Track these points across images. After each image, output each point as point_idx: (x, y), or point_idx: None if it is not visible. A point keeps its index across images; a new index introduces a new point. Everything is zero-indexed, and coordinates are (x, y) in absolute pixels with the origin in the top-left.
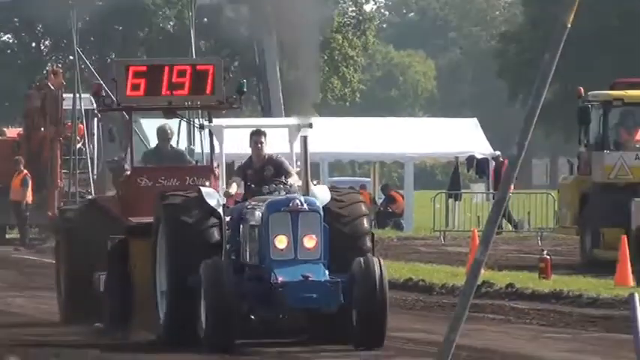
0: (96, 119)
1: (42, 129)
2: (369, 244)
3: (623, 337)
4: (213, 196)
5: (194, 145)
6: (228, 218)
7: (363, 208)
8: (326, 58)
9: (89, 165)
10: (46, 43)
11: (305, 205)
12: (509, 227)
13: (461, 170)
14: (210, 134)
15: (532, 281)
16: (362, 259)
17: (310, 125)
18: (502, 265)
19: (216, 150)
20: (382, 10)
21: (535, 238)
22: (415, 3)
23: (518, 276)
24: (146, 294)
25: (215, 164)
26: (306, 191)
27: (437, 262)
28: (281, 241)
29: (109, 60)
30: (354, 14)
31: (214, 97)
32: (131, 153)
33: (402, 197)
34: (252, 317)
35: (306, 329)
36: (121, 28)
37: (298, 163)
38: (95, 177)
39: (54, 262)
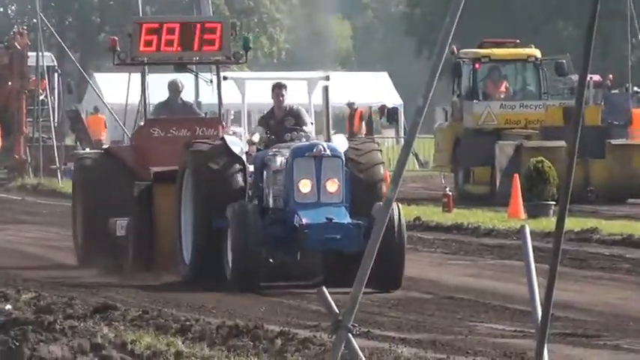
0: (56, 74)
1: (9, 83)
2: (384, 189)
3: (515, 263)
4: (237, 144)
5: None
6: (251, 167)
7: (379, 155)
8: (256, 20)
9: (50, 114)
10: (12, 8)
11: (328, 151)
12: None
13: (374, 118)
14: (219, 87)
15: (436, 215)
16: (382, 204)
17: (327, 78)
18: (410, 200)
19: (238, 101)
20: None
21: (439, 176)
22: None
23: (424, 210)
24: (169, 238)
25: (225, 115)
26: (327, 138)
27: None
28: (305, 185)
29: (67, 22)
30: None
31: (222, 53)
32: (145, 105)
33: None
34: (271, 260)
35: (322, 272)
36: None
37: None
38: (56, 124)
39: (70, 205)
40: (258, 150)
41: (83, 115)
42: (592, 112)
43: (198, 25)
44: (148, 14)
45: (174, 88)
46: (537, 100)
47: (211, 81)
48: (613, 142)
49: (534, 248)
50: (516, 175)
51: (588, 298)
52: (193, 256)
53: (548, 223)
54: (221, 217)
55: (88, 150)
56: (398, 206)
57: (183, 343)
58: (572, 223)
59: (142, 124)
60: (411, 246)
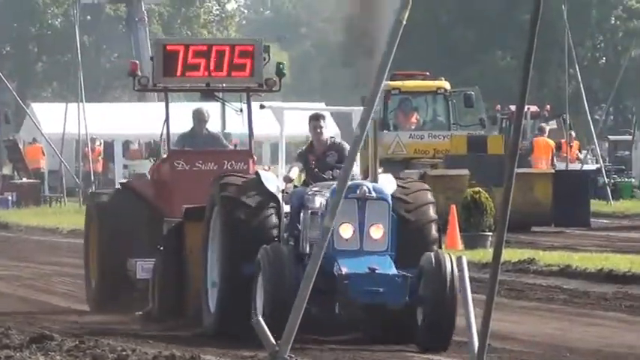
0: None
1: None
2: (435, 232)
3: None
4: (272, 181)
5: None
6: (287, 207)
7: (429, 195)
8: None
9: None
10: None
11: (373, 193)
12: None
13: None
14: (249, 117)
15: None
16: (432, 255)
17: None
18: None
19: (273, 132)
20: (242, 9)
21: None
22: (270, 2)
23: None
24: (199, 283)
25: (253, 148)
26: (373, 178)
27: None
28: (346, 230)
29: (4, 51)
30: (217, 12)
31: (254, 79)
32: (167, 136)
33: None
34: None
35: (361, 327)
36: (15, 24)
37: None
38: None
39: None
40: (295, 187)
41: (21, 145)
42: (495, 140)
43: (228, 48)
44: (86, 44)
45: (199, 117)
46: (446, 130)
47: (241, 110)
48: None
49: (472, 279)
50: (453, 206)
51: (526, 328)
52: (219, 305)
53: (486, 254)
54: (252, 262)
55: (25, 180)
56: (451, 258)
57: None
58: (509, 254)
59: (165, 156)
60: None
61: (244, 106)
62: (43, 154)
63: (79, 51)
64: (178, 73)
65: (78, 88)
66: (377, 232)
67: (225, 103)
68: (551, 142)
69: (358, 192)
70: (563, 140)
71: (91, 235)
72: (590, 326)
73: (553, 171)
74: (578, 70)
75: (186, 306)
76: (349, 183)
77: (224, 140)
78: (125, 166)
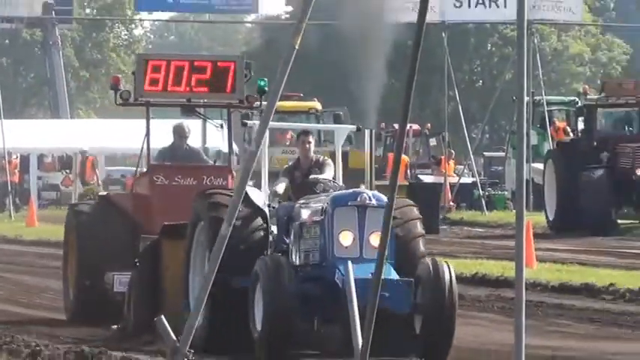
0: None
1: None
2: (422, 247)
3: None
4: (258, 196)
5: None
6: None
7: (415, 211)
8: (103, 72)
9: None
10: None
11: (373, 200)
12: None
13: None
14: (229, 133)
15: None
16: (429, 263)
17: (359, 129)
18: None
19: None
20: (148, 34)
21: None
22: (175, 28)
23: None
24: (178, 300)
25: (234, 165)
26: (370, 187)
27: None
28: (346, 238)
29: None
30: (126, 37)
31: (235, 96)
32: (147, 150)
33: None
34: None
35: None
36: None
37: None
38: None
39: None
40: (279, 203)
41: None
42: (356, 155)
43: (210, 64)
44: (4, 65)
45: (180, 132)
46: (316, 146)
47: (222, 126)
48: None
49: None
50: None
51: None
52: (207, 320)
53: None
54: (242, 276)
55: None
56: (449, 266)
57: None
58: None
59: (144, 170)
60: None
61: (225, 122)
62: None
63: None
64: (160, 88)
65: None
66: (377, 239)
67: (206, 119)
68: (406, 158)
69: (359, 200)
70: (442, 156)
71: (70, 246)
72: (465, 326)
73: (407, 183)
74: (457, 92)
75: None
76: (349, 191)
77: (204, 155)
78: (39, 178)
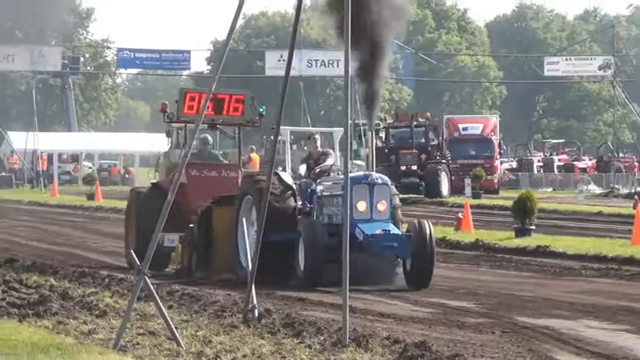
0: None
1: None
2: (400, 214)
3: None
4: (288, 176)
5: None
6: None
7: (393, 189)
8: (97, 104)
9: None
10: None
11: (379, 180)
12: None
13: None
14: (239, 142)
15: None
16: (416, 221)
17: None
18: None
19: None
20: (125, 82)
21: None
22: (141, 78)
23: None
24: (223, 249)
25: (242, 162)
26: (373, 168)
27: None
28: (361, 205)
29: None
30: (111, 83)
31: (244, 118)
32: (187, 154)
33: None
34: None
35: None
36: None
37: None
38: None
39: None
40: (302, 181)
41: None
42: (254, 157)
43: (227, 97)
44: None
45: (204, 141)
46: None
47: (234, 137)
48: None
49: None
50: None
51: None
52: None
53: None
54: (280, 232)
55: None
56: (429, 224)
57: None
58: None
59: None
60: None
61: (236, 135)
62: None
63: None
64: (194, 111)
65: None
66: (382, 206)
67: (222, 131)
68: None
69: (369, 179)
70: None
71: (131, 217)
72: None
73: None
74: (309, 119)
75: (212, 266)
76: (362, 173)
77: (220, 157)
78: (59, 167)
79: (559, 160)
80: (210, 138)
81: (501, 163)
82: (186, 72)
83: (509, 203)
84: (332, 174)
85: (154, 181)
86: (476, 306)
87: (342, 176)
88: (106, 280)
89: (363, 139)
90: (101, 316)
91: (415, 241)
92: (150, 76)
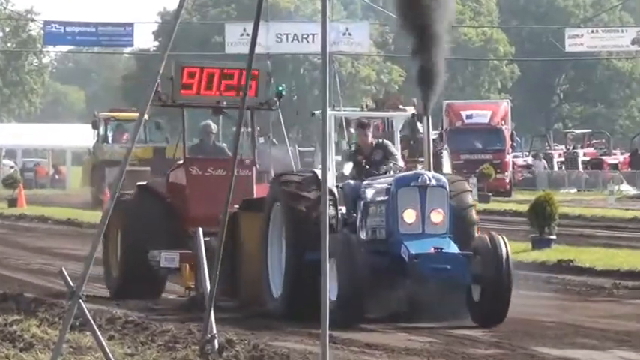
0: None
1: None
2: (474, 216)
3: None
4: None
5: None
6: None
7: (466, 185)
8: (20, 90)
9: None
10: None
11: (433, 181)
12: None
13: None
14: (252, 131)
15: None
16: (487, 236)
17: (413, 115)
18: None
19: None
20: (53, 62)
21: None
22: (72, 57)
23: None
24: (253, 267)
25: (257, 158)
26: (429, 168)
27: None
28: (409, 216)
29: None
30: (37, 63)
31: (258, 99)
32: (183, 145)
33: None
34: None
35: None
36: None
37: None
38: None
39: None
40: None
41: None
42: (170, 149)
43: (237, 72)
44: None
45: (207, 130)
46: (144, 143)
47: (246, 124)
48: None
49: None
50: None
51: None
52: (285, 290)
53: None
54: (315, 250)
55: None
56: (504, 239)
57: None
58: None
59: (181, 162)
60: None
61: (248, 122)
62: None
63: None
64: (194, 92)
65: None
66: (437, 216)
67: (229, 117)
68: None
69: (420, 180)
70: None
71: (112, 231)
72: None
73: None
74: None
75: (239, 291)
76: (411, 172)
77: (228, 151)
78: None
79: (584, 154)
80: (213, 126)
81: (514, 158)
82: (128, 49)
83: (524, 208)
84: (385, 173)
85: (141, 183)
86: (485, 334)
87: (392, 177)
88: (33, 305)
89: (346, 131)
90: (26, 349)
91: (485, 262)
92: (84, 55)
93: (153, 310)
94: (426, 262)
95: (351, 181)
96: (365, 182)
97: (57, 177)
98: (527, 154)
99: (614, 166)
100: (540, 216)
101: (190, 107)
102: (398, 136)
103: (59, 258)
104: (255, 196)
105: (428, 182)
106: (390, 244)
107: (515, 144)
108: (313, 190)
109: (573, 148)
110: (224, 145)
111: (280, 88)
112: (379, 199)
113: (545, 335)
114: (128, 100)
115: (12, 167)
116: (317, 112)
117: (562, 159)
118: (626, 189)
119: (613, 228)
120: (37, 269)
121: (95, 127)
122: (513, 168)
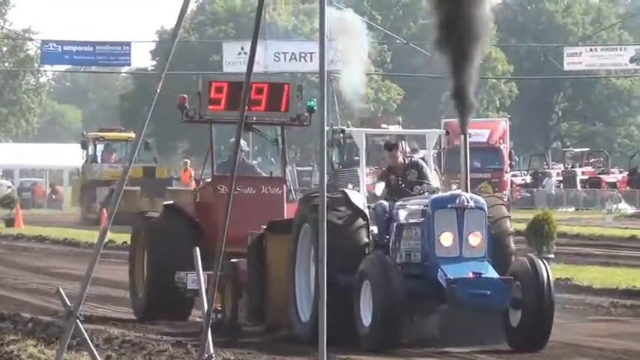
0: None
1: None
2: (512, 244)
3: None
4: (358, 198)
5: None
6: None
7: (504, 209)
8: (17, 109)
9: None
10: None
11: (471, 202)
12: None
13: None
14: (283, 148)
15: None
16: (527, 260)
17: (447, 133)
18: None
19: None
20: (50, 81)
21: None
22: (70, 77)
23: None
24: (281, 291)
25: (287, 175)
26: (466, 189)
27: None
28: (446, 239)
29: None
30: (34, 83)
31: (288, 114)
32: (212, 162)
33: None
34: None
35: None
36: None
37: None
38: None
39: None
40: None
41: None
42: (160, 170)
43: (266, 86)
44: None
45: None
46: (134, 163)
47: (276, 141)
48: (170, 188)
49: None
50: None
51: None
52: (314, 314)
53: None
54: (344, 274)
55: None
56: (545, 263)
57: None
58: None
59: (209, 180)
60: None
61: (279, 138)
62: None
63: None
64: (222, 107)
65: None
66: (475, 239)
67: (261, 133)
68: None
69: (457, 202)
70: None
71: (138, 251)
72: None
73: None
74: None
75: (266, 314)
76: (448, 193)
77: (257, 169)
78: None
79: (583, 172)
80: (243, 142)
81: (512, 177)
82: (125, 68)
83: (523, 226)
84: (419, 194)
85: (168, 202)
86: (482, 353)
87: (427, 198)
88: (30, 325)
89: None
90: None
91: (525, 287)
92: (81, 74)
93: (150, 330)
94: (465, 288)
95: (384, 202)
96: (397, 203)
97: (54, 197)
98: (526, 172)
99: (613, 185)
100: (538, 235)
101: (217, 123)
102: (431, 153)
103: (56, 278)
104: (285, 216)
105: (466, 204)
106: (425, 267)
107: (513, 162)
108: (344, 212)
109: (572, 167)
110: (254, 162)
111: (312, 103)
112: (413, 220)
113: (543, 355)
114: (125, 119)
115: (9, 187)
116: (347, 129)
117: (560, 177)
118: (625, 207)
119: (611, 246)
120: (35, 289)
121: (84, 147)
122: (512, 187)
